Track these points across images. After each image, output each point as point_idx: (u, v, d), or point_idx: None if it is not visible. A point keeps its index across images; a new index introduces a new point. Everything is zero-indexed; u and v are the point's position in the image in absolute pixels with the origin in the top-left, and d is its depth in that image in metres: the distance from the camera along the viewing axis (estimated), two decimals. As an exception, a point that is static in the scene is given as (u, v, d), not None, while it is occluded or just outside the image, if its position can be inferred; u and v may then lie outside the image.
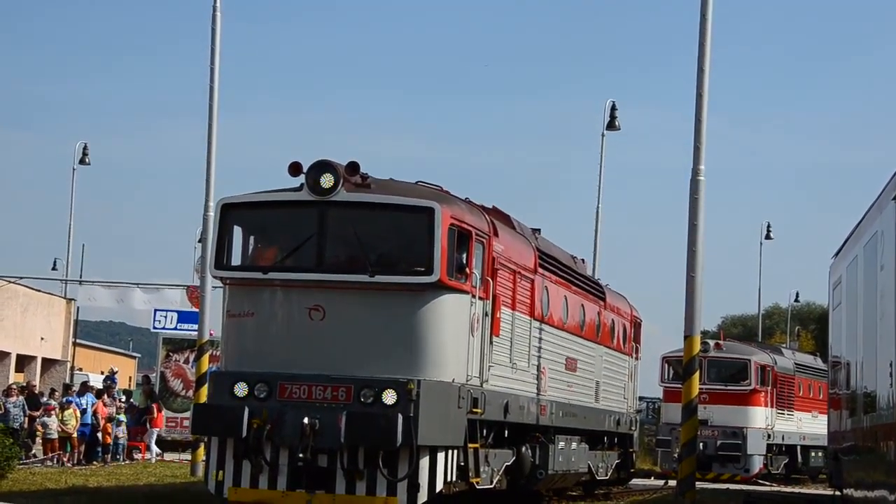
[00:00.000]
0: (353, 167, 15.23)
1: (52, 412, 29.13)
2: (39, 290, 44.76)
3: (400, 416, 14.34)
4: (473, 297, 15.68)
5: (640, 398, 52.39)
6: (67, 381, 39.98)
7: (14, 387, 29.63)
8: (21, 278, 42.30)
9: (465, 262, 15.61)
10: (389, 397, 14.57)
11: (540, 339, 18.80)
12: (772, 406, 36.10)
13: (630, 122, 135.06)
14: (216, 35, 25.08)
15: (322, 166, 15.22)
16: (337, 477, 14.74)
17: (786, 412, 37.66)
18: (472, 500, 17.33)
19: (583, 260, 23.29)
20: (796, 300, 74.29)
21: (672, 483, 25.91)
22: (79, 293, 43.25)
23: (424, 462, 14.80)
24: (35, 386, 34.62)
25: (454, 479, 15.45)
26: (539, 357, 18.79)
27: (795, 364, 39.64)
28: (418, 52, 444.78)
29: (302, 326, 15.11)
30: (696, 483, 20.08)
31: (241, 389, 15.07)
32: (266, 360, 15.26)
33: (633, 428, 26.36)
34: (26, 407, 28.40)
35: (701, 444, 29.01)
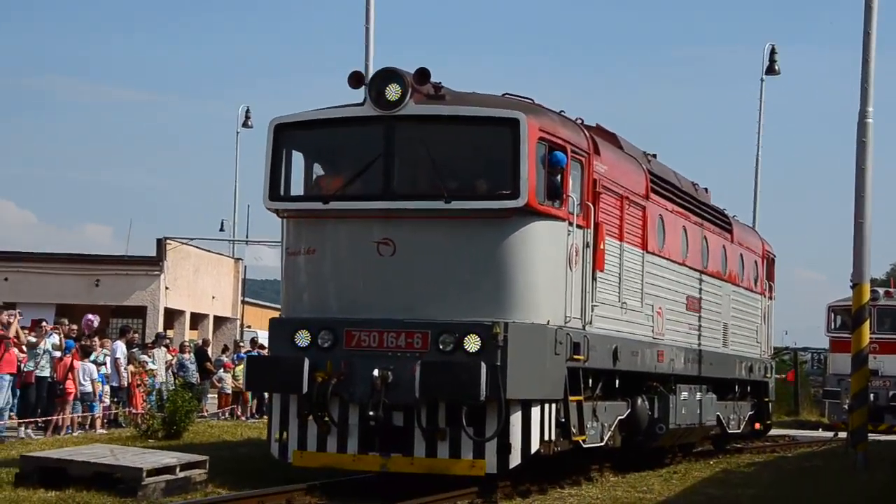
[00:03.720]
0: (422, 74, 13.11)
1: (230, 369, 29.34)
2: (210, 251, 45.08)
3: (484, 366, 12.38)
4: (571, 224, 13.52)
5: (805, 349, 50.40)
6: (238, 338, 39.55)
7: (187, 344, 29.63)
8: (192, 239, 42.28)
9: (559, 183, 13.34)
10: (472, 343, 12.67)
11: (654, 274, 16.47)
12: (948, 356, 33.68)
13: (793, 62, 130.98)
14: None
15: (387, 75, 13.27)
16: (415, 437, 12.90)
17: (963, 362, 34.95)
18: (579, 461, 15.13)
19: (706, 189, 20.74)
20: (971, 244, 70.83)
21: (842, 435, 25.24)
22: (245, 253, 43.64)
23: (516, 418, 12.85)
24: (209, 343, 34.76)
25: (554, 437, 13.30)
26: (654, 295, 16.45)
27: (972, 312, 36.82)
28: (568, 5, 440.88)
29: (370, 264, 13.18)
30: (868, 435, 19.48)
31: (302, 339, 13.22)
32: (330, 304, 13.47)
33: (769, 375, 24.13)
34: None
35: (872, 395, 27.20)
